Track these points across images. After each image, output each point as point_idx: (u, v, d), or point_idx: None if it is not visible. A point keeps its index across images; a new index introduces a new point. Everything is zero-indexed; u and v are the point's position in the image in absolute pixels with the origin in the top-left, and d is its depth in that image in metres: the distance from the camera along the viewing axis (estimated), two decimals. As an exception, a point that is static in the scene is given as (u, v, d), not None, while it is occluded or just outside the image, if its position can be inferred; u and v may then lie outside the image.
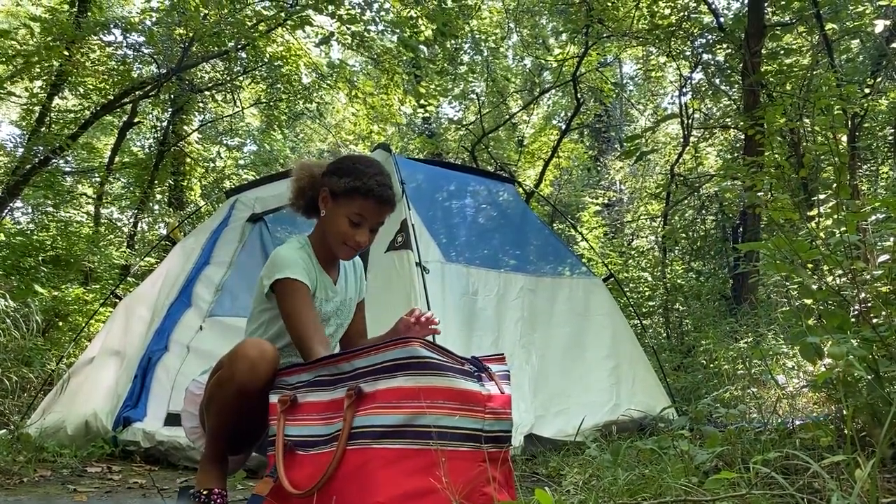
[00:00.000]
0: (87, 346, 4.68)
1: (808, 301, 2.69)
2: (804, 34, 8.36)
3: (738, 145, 9.81)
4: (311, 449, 1.74)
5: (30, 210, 9.95)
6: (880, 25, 6.51)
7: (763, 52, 7.47)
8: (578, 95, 11.06)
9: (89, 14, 8.67)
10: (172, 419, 3.60)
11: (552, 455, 3.37)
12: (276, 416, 1.80)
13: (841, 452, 1.66)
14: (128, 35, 8.49)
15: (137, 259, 8.79)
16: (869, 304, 2.54)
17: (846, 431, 1.70)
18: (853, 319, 2.47)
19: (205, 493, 1.97)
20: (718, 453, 2.14)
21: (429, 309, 2.98)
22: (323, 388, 1.80)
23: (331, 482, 1.65)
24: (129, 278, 7.40)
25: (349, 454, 1.65)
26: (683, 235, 9.60)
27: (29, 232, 8.52)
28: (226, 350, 2.02)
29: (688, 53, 9.90)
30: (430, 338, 2.09)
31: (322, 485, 1.65)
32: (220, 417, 1.96)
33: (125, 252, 9.42)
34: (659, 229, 10.82)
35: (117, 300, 4.68)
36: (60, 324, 7.00)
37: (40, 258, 7.48)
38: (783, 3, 7.80)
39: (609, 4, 9.05)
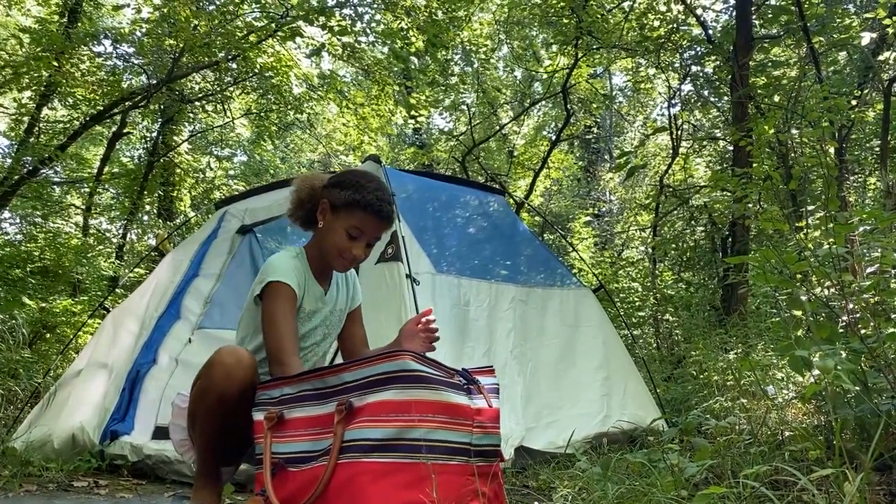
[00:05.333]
0: (74, 359, 4.64)
1: (797, 312, 2.69)
2: (792, 47, 8.44)
3: (726, 157, 9.86)
4: (302, 465, 1.71)
5: (18, 221, 9.88)
6: (867, 38, 6.59)
7: (751, 64, 7.54)
8: (568, 106, 11.11)
9: (79, 25, 8.66)
10: (160, 432, 3.57)
11: (542, 468, 3.36)
12: (262, 434, 1.78)
13: (830, 465, 1.66)
14: (118, 46, 8.49)
15: (126, 271, 8.74)
16: (857, 316, 2.55)
17: (835, 443, 1.70)
18: (842, 331, 2.48)
19: None
20: (708, 466, 2.14)
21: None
22: (310, 403, 1.78)
23: (320, 497, 1.64)
24: (117, 290, 7.36)
25: (339, 468, 1.64)
26: (673, 246, 9.61)
27: (17, 243, 8.47)
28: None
29: (677, 65, 9.97)
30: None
31: (312, 501, 1.63)
32: (205, 429, 1.96)
33: (114, 263, 9.36)
34: (649, 240, 10.85)
35: (105, 312, 4.65)
36: (48, 336, 6.95)
37: (28, 269, 7.43)
38: (770, 16, 7.88)
39: (599, 16, 9.11)
